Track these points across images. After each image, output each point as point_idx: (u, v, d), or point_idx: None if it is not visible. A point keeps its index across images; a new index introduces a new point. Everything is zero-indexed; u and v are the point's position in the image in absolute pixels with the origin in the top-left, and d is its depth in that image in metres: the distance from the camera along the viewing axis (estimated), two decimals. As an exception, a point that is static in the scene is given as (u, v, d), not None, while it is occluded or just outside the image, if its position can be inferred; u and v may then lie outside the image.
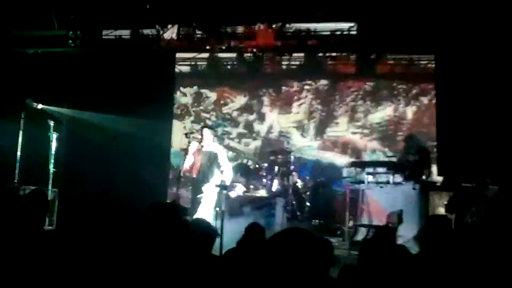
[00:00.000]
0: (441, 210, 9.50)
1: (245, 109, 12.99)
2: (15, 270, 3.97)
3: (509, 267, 4.35)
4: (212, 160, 9.72)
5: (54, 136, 10.10)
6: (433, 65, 11.95)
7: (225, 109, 13.08)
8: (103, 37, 12.81)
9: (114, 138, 9.70)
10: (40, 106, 10.92)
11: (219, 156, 9.75)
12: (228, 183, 9.62)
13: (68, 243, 4.37)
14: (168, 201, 10.92)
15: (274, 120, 12.79)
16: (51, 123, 10.13)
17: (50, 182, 9.89)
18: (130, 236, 4.30)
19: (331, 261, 3.98)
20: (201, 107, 13.22)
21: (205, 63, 13.20)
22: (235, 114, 13.01)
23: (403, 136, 11.28)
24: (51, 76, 12.37)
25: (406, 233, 8.34)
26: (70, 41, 12.54)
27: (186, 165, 9.73)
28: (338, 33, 11.89)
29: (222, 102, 13.12)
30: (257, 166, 11.33)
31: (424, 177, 9.90)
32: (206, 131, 9.99)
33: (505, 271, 4.22)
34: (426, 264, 4.06)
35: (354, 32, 11.79)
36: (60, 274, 3.91)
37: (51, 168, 9.98)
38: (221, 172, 9.58)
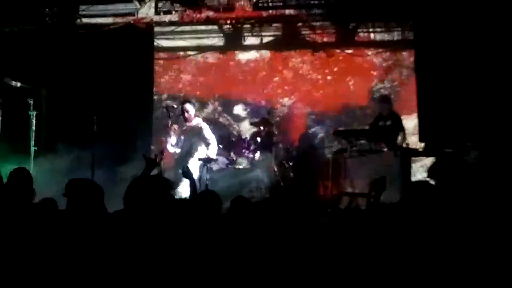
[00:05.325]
0: (424, 176, 9.60)
1: (226, 79, 12.96)
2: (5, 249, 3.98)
3: (489, 230, 4.41)
4: (195, 135, 9.74)
5: (34, 114, 10.05)
6: (412, 32, 11.98)
7: (205, 82, 13.02)
8: (80, 12, 12.68)
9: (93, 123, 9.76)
10: (19, 84, 10.82)
11: (203, 130, 9.77)
12: (213, 156, 9.65)
13: (55, 220, 4.37)
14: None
15: (253, 91, 12.77)
16: (31, 102, 10.07)
17: (32, 160, 9.84)
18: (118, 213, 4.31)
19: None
20: (181, 81, 13.16)
21: (184, 36, 13.13)
22: (215, 86, 12.96)
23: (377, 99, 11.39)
24: (28, 54, 12.23)
25: (389, 200, 8.40)
26: (47, 18, 12.37)
27: (169, 145, 9.74)
28: (316, 2, 11.87)
29: (202, 74, 13.07)
30: (239, 138, 11.33)
31: (398, 141, 9.98)
32: (188, 106, 9.99)
33: (486, 234, 4.28)
34: (408, 228, 4.11)
35: (332, 0, 11.77)
36: (49, 252, 3.91)
37: (32, 147, 9.94)
38: (207, 145, 9.59)
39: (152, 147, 12.36)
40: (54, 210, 4.96)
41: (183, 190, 9.25)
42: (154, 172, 6.91)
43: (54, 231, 4.10)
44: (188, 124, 9.86)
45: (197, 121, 9.94)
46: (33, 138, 9.97)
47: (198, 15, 12.05)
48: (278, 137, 11.49)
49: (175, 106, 10.23)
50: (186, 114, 9.87)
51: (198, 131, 9.78)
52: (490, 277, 3.75)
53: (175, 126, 9.90)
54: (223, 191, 8.75)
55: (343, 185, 9.88)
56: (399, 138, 10.12)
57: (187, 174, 6.89)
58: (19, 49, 12.19)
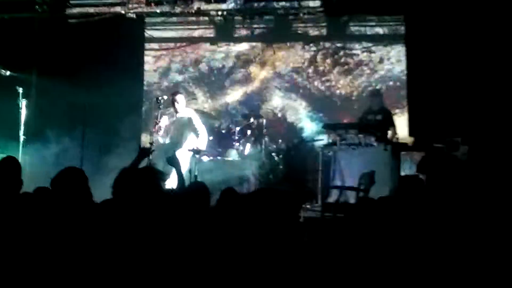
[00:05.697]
0: (413, 170, 9.62)
1: (217, 71, 12.94)
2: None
3: (478, 224, 4.42)
4: (185, 125, 9.71)
5: (23, 103, 9.99)
6: (404, 27, 11.99)
7: (195, 73, 12.99)
8: (71, 1, 12.60)
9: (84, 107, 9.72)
10: (8, 73, 10.76)
11: (193, 120, 9.74)
12: (203, 147, 9.62)
13: (45, 209, 4.35)
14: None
15: (243, 84, 12.76)
16: (20, 90, 10.01)
17: (20, 149, 9.79)
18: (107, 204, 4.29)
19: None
20: (171, 71, 13.12)
21: (175, 27, 13.09)
22: (206, 77, 12.95)
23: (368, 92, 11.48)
24: (18, 42, 12.15)
25: (378, 194, 8.41)
26: (37, 6, 12.30)
27: (159, 136, 9.70)
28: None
29: (192, 65, 13.03)
30: (229, 129, 11.32)
31: (389, 136, 10.04)
32: (178, 96, 9.96)
33: (475, 228, 4.29)
34: (398, 222, 4.12)
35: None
36: (36, 241, 3.89)
37: (21, 136, 9.88)
38: (197, 136, 9.57)
39: (142, 138, 12.32)
40: (48, 200, 4.91)
41: (172, 181, 9.24)
42: (144, 163, 6.86)
43: (44, 221, 4.08)
44: (178, 115, 9.82)
45: (187, 112, 9.91)
46: (22, 127, 9.90)
47: (189, 6, 12.01)
48: (268, 129, 11.49)
49: (166, 97, 10.18)
50: (176, 105, 9.84)
51: (188, 122, 9.75)
52: (479, 270, 3.76)
53: (165, 116, 9.86)
54: (212, 183, 8.75)
55: (332, 178, 9.88)
56: (390, 132, 10.18)
57: (173, 161, 6.71)
58: (9, 37, 12.10)
